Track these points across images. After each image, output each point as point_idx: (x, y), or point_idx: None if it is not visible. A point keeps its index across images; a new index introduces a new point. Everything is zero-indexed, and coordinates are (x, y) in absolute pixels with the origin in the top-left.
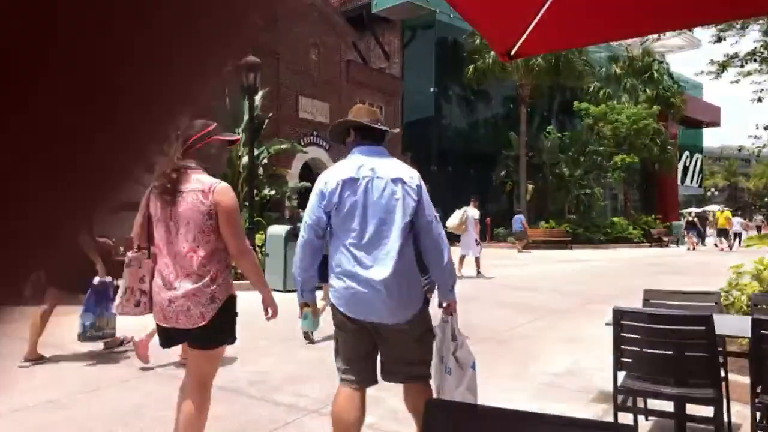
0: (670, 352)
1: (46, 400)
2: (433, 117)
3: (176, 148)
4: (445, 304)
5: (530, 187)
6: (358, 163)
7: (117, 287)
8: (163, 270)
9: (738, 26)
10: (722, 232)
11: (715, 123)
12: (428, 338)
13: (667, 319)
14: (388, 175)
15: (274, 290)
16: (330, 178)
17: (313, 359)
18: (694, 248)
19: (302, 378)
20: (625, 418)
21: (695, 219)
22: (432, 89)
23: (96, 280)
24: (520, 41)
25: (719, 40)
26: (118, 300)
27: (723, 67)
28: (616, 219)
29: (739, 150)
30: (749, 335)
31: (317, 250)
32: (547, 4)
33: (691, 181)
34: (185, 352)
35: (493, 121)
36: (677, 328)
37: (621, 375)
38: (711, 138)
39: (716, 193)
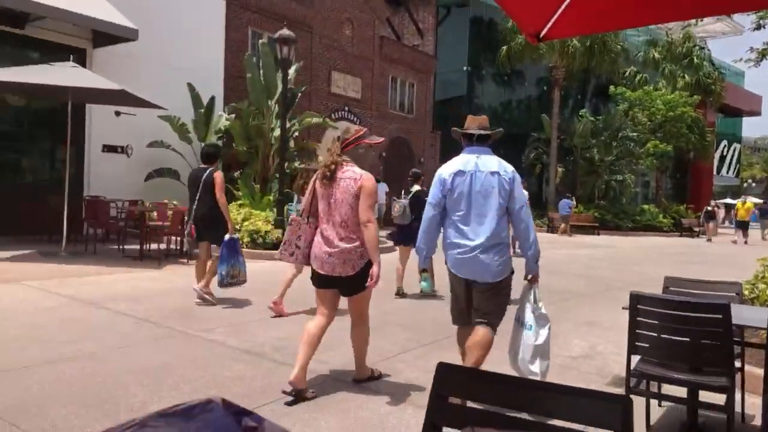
0: (686, 339)
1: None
2: (465, 96)
3: (336, 146)
4: (530, 277)
5: (560, 170)
6: (466, 159)
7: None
8: (324, 233)
9: None
10: (741, 224)
11: (756, 112)
12: (506, 298)
13: (683, 306)
14: (487, 169)
15: None
16: (446, 170)
17: (334, 328)
18: (710, 240)
19: (324, 346)
20: (638, 402)
21: (714, 209)
22: (465, 68)
23: (227, 236)
24: (550, 23)
25: (759, 27)
26: (284, 249)
27: (762, 55)
28: (646, 206)
29: None
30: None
31: (438, 225)
32: None
33: (728, 171)
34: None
35: (526, 102)
36: (694, 315)
37: (635, 360)
38: (751, 127)
39: (753, 184)
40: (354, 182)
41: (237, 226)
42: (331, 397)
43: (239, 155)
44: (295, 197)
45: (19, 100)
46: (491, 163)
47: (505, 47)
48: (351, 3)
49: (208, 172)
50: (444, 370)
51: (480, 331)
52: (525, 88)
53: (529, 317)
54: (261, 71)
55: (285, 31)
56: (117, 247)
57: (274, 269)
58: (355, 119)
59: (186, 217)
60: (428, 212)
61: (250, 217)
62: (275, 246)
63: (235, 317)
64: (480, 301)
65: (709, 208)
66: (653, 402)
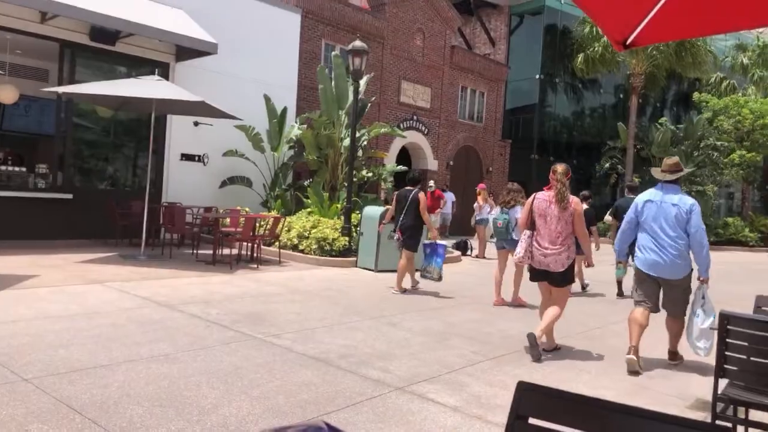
0: None
1: (160, 353)
2: (537, 104)
3: (562, 179)
4: (702, 278)
5: (636, 180)
6: (656, 192)
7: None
8: (542, 240)
9: None
10: None
11: None
12: (687, 292)
13: None
14: (670, 201)
15: (366, 268)
16: (641, 199)
17: (400, 338)
18: None
19: (390, 355)
20: None
21: None
22: (537, 76)
23: (427, 240)
24: (638, 29)
25: None
26: (522, 254)
27: None
28: (730, 219)
29: None
30: None
31: (629, 236)
32: None
33: None
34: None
35: (600, 110)
36: None
37: (722, 383)
38: None
39: None
40: (569, 205)
41: (305, 233)
42: (396, 408)
43: (309, 164)
44: (499, 209)
45: (107, 112)
46: (675, 197)
47: (581, 54)
48: (423, 14)
49: (413, 192)
50: (524, 389)
51: (674, 321)
52: (600, 95)
53: (698, 308)
54: (333, 82)
55: (357, 43)
56: (191, 251)
57: (339, 277)
58: (423, 128)
59: (394, 226)
60: (623, 226)
61: (319, 224)
62: (341, 253)
63: (302, 323)
64: (668, 292)
65: None
66: (740, 429)
